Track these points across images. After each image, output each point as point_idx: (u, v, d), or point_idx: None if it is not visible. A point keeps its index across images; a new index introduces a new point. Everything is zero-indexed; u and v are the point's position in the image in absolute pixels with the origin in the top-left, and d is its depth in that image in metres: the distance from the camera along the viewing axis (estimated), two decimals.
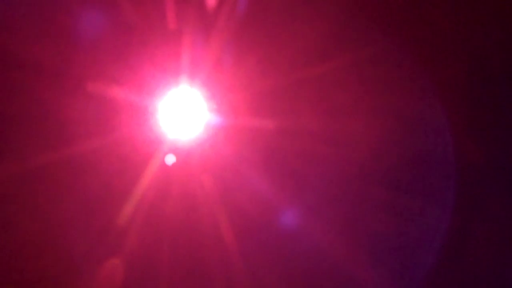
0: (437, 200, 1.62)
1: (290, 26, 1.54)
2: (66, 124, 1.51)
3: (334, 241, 1.54)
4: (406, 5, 1.53)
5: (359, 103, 1.54)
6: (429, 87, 1.56)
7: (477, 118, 1.56)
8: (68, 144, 1.51)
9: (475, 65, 1.54)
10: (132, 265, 1.52)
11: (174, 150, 1.55)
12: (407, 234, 1.63)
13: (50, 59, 1.50)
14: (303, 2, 1.55)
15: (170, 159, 1.54)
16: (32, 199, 1.52)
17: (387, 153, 1.55)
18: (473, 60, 1.53)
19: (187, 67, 1.53)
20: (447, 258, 1.63)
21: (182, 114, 1.56)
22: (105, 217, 1.52)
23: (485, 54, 1.53)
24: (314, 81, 1.54)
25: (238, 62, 1.54)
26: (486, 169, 1.59)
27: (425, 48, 1.54)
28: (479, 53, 1.53)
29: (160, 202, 1.52)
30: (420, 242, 1.64)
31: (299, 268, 1.56)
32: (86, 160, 1.51)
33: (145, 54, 1.53)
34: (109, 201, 1.52)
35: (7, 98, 1.51)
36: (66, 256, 1.53)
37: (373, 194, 1.54)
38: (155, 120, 1.55)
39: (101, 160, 1.51)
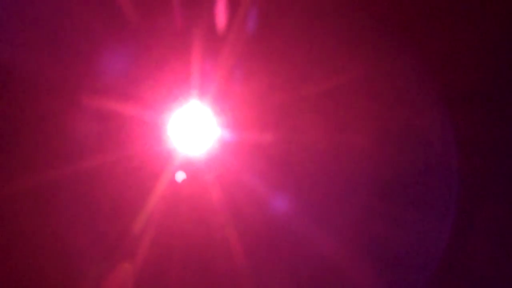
0: (440, 211, 1.66)
1: (299, 41, 1.56)
2: (77, 139, 1.52)
3: (343, 254, 1.57)
4: (415, 20, 1.55)
5: (367, 117, 1.57)
6: (436, 103, 1.59)
7: (484, 133, 1.59)
8: (78, 159, 1.51)
9: (482, 79, 1.57)
10: (142, 279, 1.53)
11: (184, 165, 1.56)
12: (410, 244, 1.66)
13: (61, 74, 1.50)
14: (312, 18, 1.56)
15: (180, 174, 1.55)
16: (43, 214, 1.52)
17: (394, 167, 1.58)
18: (482, 73, 1.56)
19: (197, 82, 1.54)
20: (448, 268, 1.67)
21: (192, 129, 1.57)
22: (115, 232, 1.53)
23: (494, 68, 1.56)
24: (323, 96, 1.56)
25: (247, 78, 1.55)
26: (489, 182, 1.63)
27: (433, 62, 1.57)
28: (489, 67, 1.56)
29: (170, 217, 1.54)
30: (422, 252, 1.67)
31: (307, 280, 1.59)
32: (97, 175, 1.52)
33: (155, 69, 1.53)
34: (120, 215, 1.53)
35: (18, 113, 1.50)
36: (76, 270, 1.53)
37: (381, 207, 1.57)
38: (165, 135, 1.56)
39: (111, 175, 1.52)
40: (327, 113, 1.57)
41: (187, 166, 1.56)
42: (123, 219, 1.53)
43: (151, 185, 1.53)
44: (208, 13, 1.53)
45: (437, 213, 1.66)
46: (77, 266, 1.53)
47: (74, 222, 1.52)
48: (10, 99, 1.50)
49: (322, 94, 1.56)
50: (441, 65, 1.58)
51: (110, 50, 1.52)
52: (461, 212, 1.65)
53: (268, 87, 1.56)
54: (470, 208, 1.65)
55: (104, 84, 1.51)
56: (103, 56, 1.51)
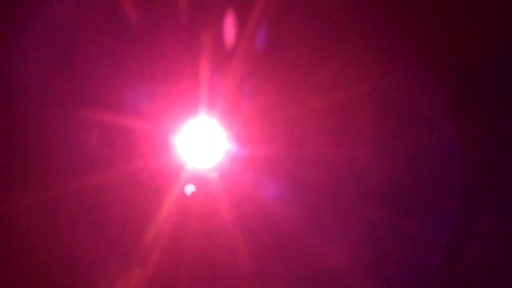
0: (440, 221, 1.69)
1: (308, 55, 1.57)
2: (88, 152, 1.53)
3: (351, 265, 1.60)
4: (424, 33, 1.57)
5: (376, 131, 1.59)
6: (443, 117, 1.61)
7: (487, 146, 1.62)
8: (90, 173, 1.52)
9: (493, 92, 1.59)
10: None
11: (193, 179, 1.58)
12: (411, 252, 1.70)
13: (70, 90, 1.50)
14: (320, 33, 1.57)
15: (189, 187, 1.57)
16: (52, 228, 1.53)
17: (402, 181, 1.61)
18: (490, 87, 1.59)
19: (206, 96, 1.55)
20: (447, 276, 1.70)
21: (201, 143, 1.58)
22: (126, 243, 1.55)
23: (502, 81, 1.58)
24: (331, 110, 1.57)
25: (256, 92, 1.57)
26: (489, 193, 1.66)
27: (441, 77, 1.59)
28: (497, 80, 1.58)
29: (180, 229, 1.56)
30: (422, 260, 1.71)
31: None
32: (108, 188, 1.53)
33: (164, 83, 1.54)
34: (130, 228, 1.55)
35: (27, 128, 1.51)
36: (87, 281, 1.55)
37: (388, 219, 1.60)
38: (175, 148, 1.57)
39: (122, 189, 1.53)
40: (335, 127, 1.59)
41: (197, 179, 1.58)
42: (133, 232, 1.55)
43: (161, 198, 1.55)
44: (217, 28, 1.53)
45: (437, 222, 1.69)
46: (88, 278, 1.55)
47: (86, 235, 1.54)
48: (20, 115, 1.51)
49: (330, 108, 1.58)
50: (449, 79, 1.60)
51: (120, 65, 1.52)
52: (460, 222, 1.69)
53: (276, 101, 1.57)
54: (470, 219, 1.68)
55: (115, 98, 1.52)
56: (113, 71, 1.52)
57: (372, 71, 1.60)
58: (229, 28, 1.54)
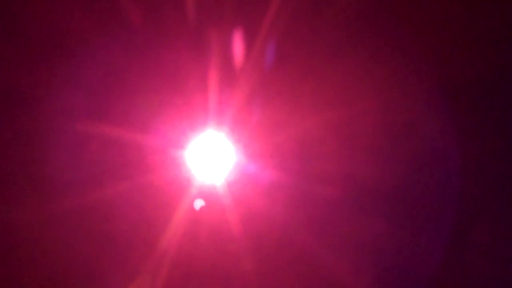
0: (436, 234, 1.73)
1: (317, 70, 1.57)
2: (96, 167, 1.52)
3: (361, 280, 1.63)
4: (428, 50, 1.58)
5: (384, 145, 1.60)
6: (453, 131, 1.63)
7: (490, 158, 1.65)
8: (97, 188, 1.52)
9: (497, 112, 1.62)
10: None
11: (202, 194, 1.58)
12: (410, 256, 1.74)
13: (80, 103, 1.49)
14: (330, 48, 1.57)
15: (198, 202, 1.58)
16: (61, 241, 1.54)
17: (407, 195, 1.63)
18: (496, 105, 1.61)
19: (215, 111, 1.55)
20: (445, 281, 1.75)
21: (211, 157, 1.59)
22: (134, 259, 1.56)
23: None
24: (340, 125, 1.58)
25: (265, 106, 1.57)
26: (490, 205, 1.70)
27: (450, 91, 1.61)
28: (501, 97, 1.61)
29: (188, 245, 1.57)
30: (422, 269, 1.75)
31: None
32: (115, 203, 1.53)
33: (173, 98, 1.53)
34: (138, 243, 1.56)
35: (36, 142, 1.50)
36: None
37: (396, 235, 1.63)
38: (184, 163, 1.57)
39: (131, 203, 1.54)
40: (344, 141, 1.60)
41: (205, 193, 1.59)
42: (142, 246, 1.56)
43: (169, 212, 1.56)
44: (227, 42, 1.52)
45: (438, 233, 1.73)
46: None
47: (95, 248, 1.55)
48: (30, 128, 1.49)
49: (338, 122, 1.59)
50: (457, 93, 1.61)
51: (128, 79, 1.51)
52: (461, 231, 1.73)
53: (285, 115, 1.58)
54: (470, 229, 1.72)
55: (125, 112, 1.51)
56: (122, 85, 1.51)
57: (381, 85, 1.61)
58: (238, 42, 1.53)
